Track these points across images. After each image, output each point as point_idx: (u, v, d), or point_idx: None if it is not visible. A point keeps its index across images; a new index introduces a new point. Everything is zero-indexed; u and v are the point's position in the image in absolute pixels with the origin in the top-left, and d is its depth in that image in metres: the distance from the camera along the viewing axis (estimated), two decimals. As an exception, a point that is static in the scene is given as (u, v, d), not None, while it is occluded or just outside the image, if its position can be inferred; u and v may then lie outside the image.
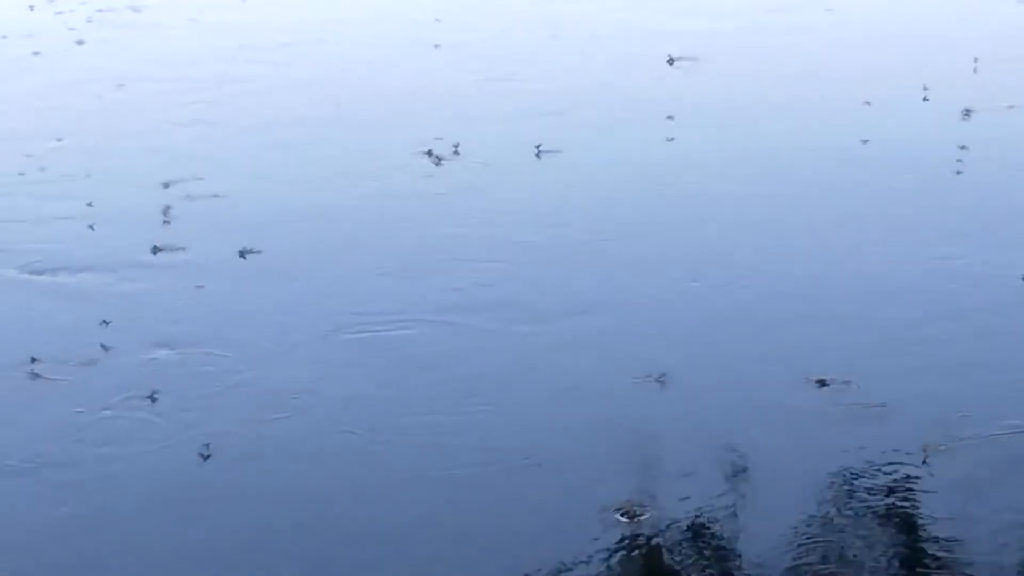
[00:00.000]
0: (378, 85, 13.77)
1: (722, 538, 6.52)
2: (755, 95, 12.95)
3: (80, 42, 15.57)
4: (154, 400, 7.65)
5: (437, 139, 11.75)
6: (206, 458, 7.17)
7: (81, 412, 7.57)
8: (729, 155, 11.48)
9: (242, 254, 9.53)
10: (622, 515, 6.63)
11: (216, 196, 10.67)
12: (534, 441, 7.31)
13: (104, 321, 8.57)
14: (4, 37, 15.87)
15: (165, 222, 10.16)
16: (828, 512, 6.73)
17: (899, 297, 8.89)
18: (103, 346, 8.24)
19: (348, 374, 7.97)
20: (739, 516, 6.68)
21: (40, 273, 9.32)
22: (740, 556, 6.40)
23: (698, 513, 6.68)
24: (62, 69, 14.52)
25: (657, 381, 7.83)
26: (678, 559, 6.39)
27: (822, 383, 7.80)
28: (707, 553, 6.43)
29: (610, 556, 6.40)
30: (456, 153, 11.51)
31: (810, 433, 7.40)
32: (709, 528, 6.59)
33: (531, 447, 7.24)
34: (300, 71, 14.30)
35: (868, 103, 12.16)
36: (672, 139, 11.87)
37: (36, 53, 15.08)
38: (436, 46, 15.11)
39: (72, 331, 8.51)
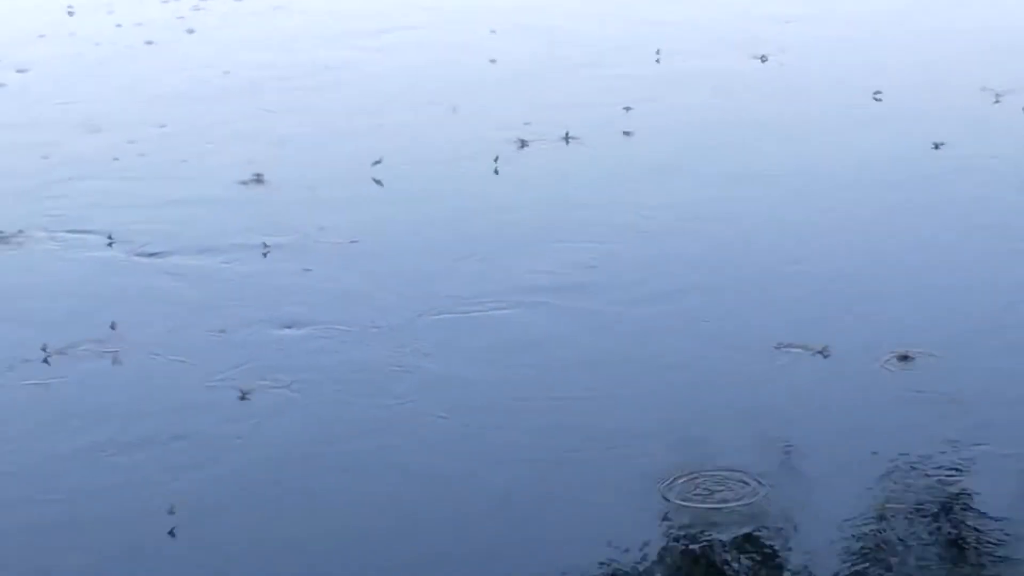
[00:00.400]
0: (472, 71, 13.64)
1: (774, 531, 6.32)
2: (839, 91, 12.66)
3: (191, 31, 15.58)
4: (271, 379, 7.62)
5: (526, 124, 11.62)
6: (315, 440, 7.15)
7: (212, 387, 7.56)
8: (820, 147, 11.26)
9: (346, 240, 9.42)
10: (678, 499, 6.46)
11: (314, 182, 10.61)
12: (614, 426, 7.16)
13: (210, 304, 8.55)
14: (119, 26, 15.90)
15: (263, 207, 10.08)
16: (888, 505, 6.49)
17: (993, 278, 8.71)
18: (222, 325, 8.25)
19: (444, 355, 7.88)
20: (796, 507, 6.49)
21: (150, 256, 9.28)
22: (790, 550, 6.19)
23: (753, 502, 6.51)
24: (172, 57, 14.52)
25: (746, 363, 7.70)
26: (725, 551, 6.18)
27: (905, 359, 7.60)
28: (756, 547, 6.21)
29: (660, 547, 6.25)
30: (548, 138, 11.36)
31: (885, 413, 7.22)
32: (763, 521, 6.38)
33: (610, 432, 7.10)
34: (396, 58, 14.21)
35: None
36: (761, 126, 11.66)
37: (149, 43, 15.08)
38: (528, 31, 14.98)
39: (191, 310, 8.50)
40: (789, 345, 7.81)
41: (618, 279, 8.78)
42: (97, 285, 8.93)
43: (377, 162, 10.25)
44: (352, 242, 9.37)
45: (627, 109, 11.86)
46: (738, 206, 9.98)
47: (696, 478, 6.62)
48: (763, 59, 13.58)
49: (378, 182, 10.31)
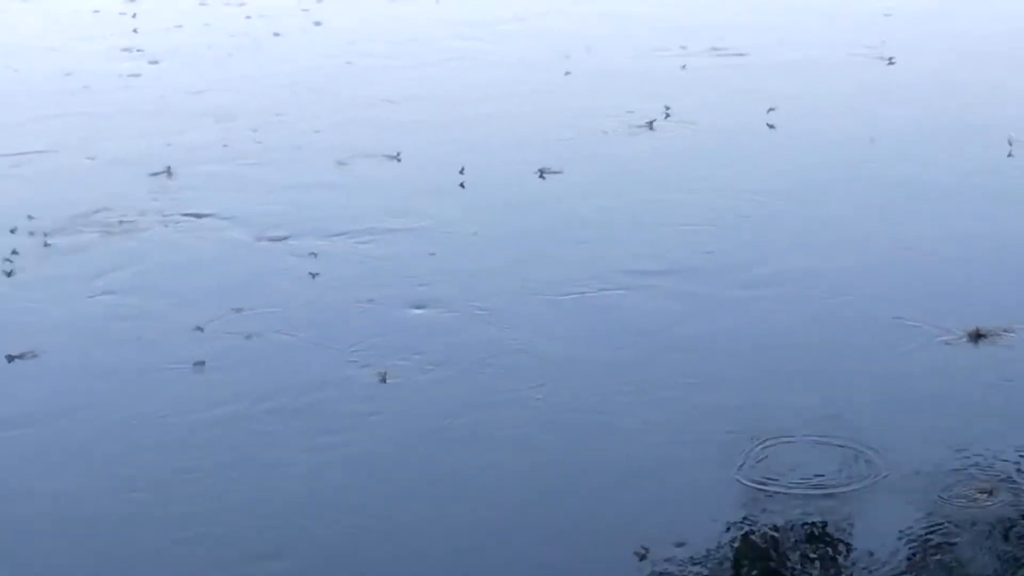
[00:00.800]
0: (593, 59, 13.60)
1: (834, 531, 6.17)
2: (953, 86, 12.55)
3: (317, 23, 15.68)
4: (403, 357, 7.65)
5: (629, 111, 11.64)
6: (442, 415, 7.17)
7: (350, 362, 7.61)
8: (930, 144, 11.11)
9: (467, 228, 9.43)
10: (775, 478, 6.40)
11: (437, 166, 10.61)
12: (719, 407, 7.07)
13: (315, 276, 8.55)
14: (248, 17, 16.06)
15: (383, 192, 10.13)
16: (958, 485, 6.32)
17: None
18: (368, 302, 8.31)
19: (554, 336, 7.84)
20: (855, 507, 6.31)
21: (273, 240, 9.33)
22: (851, 552, 6.02)
23: (813, 493, 6.35)
24: (299, 48, 14.60)
25: (844, 344, 7.60)
26: (781, 551, 6.07)
27: (978, 336, 7.42)
28: (814, 548, 6.08)
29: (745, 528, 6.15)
30: (668, 117, 11.38)
31: (957, 390, 7.09)
32: (821, 517, 6.23)
33: (714, 412, 7.01)
34: (515, 47, 14.22)
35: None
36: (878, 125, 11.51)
37: (276, 34, 15.20)
38: (653, 21, 14.92)
39: (322, 290, 8.53)
40: (900, 318, 7.71)
41: (730, 263, 8.71)
42: (228, 267, 9.00)
43: (461, 171, 10.24)
44: (472, 234, 9.35)
45: (770, 110, 11.66)
46: (846, 199, 9.85)
47: (781, 450, 6.55)
48: (890, 61, 13.28)
49: (461, 185, 10.25)
